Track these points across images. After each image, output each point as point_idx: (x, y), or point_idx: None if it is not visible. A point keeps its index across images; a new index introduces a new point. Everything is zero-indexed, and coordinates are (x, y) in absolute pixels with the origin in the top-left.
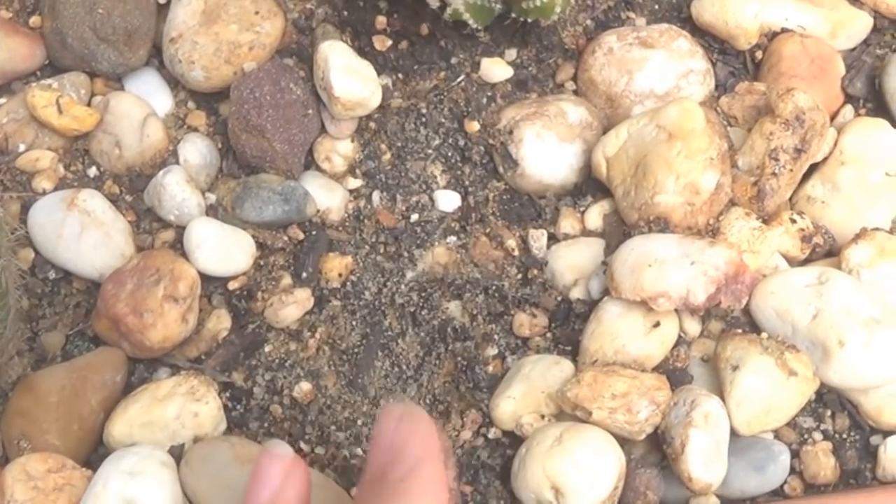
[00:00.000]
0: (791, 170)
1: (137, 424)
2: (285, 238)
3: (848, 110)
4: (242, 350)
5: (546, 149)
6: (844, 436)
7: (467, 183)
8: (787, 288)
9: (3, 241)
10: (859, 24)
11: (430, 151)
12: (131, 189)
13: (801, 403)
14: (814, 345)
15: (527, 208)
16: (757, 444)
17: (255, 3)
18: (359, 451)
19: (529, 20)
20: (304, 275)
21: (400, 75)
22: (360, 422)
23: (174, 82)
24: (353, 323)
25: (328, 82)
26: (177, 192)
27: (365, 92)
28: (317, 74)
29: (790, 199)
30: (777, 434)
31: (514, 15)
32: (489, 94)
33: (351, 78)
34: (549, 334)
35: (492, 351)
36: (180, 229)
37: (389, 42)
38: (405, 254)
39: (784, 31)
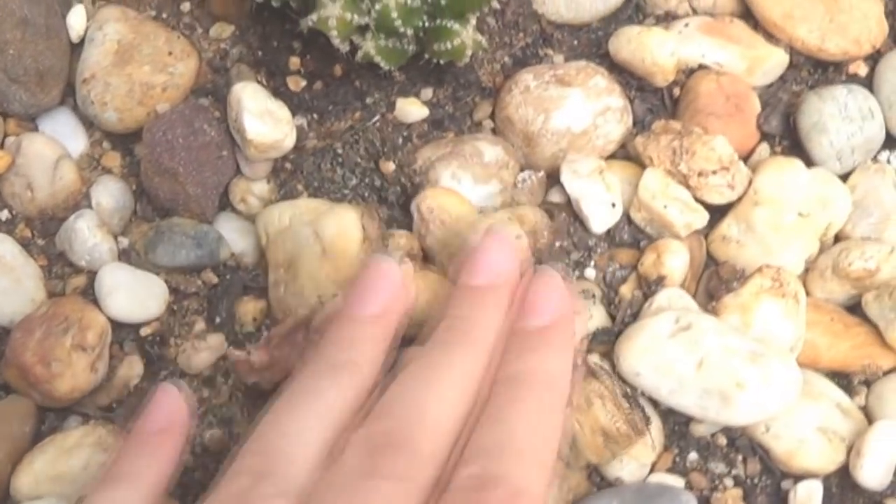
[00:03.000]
0: None
1: (45, 478)
2: (199, 282)
3: (764, 148)
4: None
5: (461, 189)
6: (756, 481)
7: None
8: (656, 341)
9: None
10: (775, 61)
11: (346, 192)
12: (44, 232)
13: None
14: (708, 392)
15: None
16: (665, 492)
17: (168, 43)
18: None
19: (443, 62)
20: (218, 319)
21: (315, 115)
22: None
23: (89, 122)
24: None
25: (241, 125)
26: (88, 237)
27: (278, 134)
28: (230, 116)
29: (706, 236)
30: (688, 481)
31: (427, 56)
32: (405, 133)
33: (264, 121)
34: None
35: None
36: (92, 274)
37: (304, 82)
38: None
39: (701, 67)
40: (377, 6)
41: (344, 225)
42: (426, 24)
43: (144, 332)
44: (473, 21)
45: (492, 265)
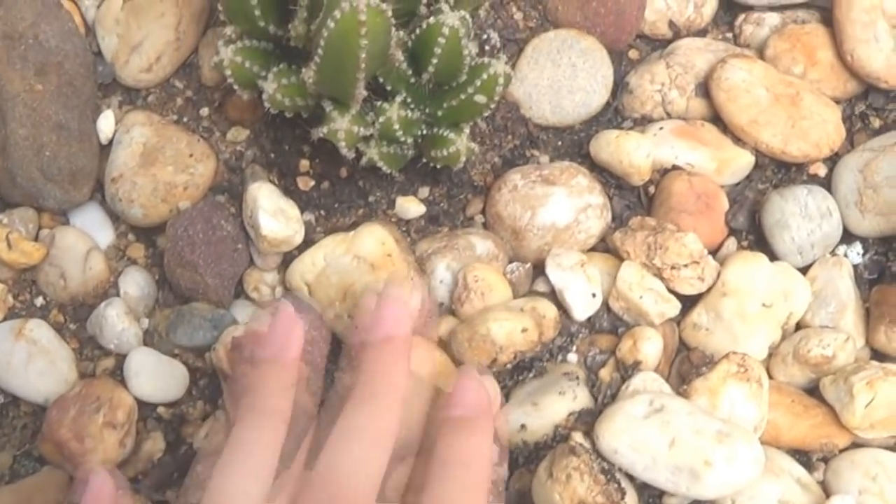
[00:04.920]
0: None
1: None
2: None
3: (731, 243)
4: (176, 470)
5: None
6: None
7: None
8: (631, 422)
9: None
10: (742, 162)
11: None
12: (75, 318)
13: None
14: (679, 469)
15: None
16: None
17: (189, 146)
18: None
19: (439, 166)
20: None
21: (322, 212)
22: None
23: (115, 216)
24: None
25: (256, 222)
26: (117, 323)
27: (289, 231)
28: (245, 213)
29: (678, 324)
30: None
31: (425, 160)
32: (403, 228)
33: (277, 219)
34: None
35: None
36: (120, 357)
37: (312, 182)
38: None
39: (674, 167)
40: (381, 119)
41: (378, 237)
42: (424, 132)
43: (166, 411)
44: (468, 130)
45: (387, 320)
